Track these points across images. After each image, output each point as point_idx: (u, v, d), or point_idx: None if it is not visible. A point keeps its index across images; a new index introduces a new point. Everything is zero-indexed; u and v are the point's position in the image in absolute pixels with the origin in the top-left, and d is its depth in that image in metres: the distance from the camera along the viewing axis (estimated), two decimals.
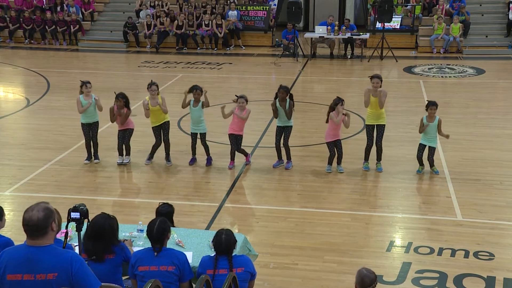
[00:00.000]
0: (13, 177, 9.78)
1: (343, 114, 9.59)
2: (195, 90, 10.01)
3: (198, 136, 10.25)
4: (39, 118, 13.32)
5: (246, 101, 9.97)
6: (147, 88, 10.12)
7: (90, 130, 10.28)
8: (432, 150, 9.75)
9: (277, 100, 9.86)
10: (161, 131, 10.25)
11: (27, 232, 3.84)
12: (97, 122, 10.35)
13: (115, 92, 10.10)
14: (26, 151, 11.09)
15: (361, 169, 10.04)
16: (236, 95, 10.02)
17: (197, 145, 10.29)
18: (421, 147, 9.78)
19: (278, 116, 9.97)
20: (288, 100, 9.84)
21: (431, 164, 9.84)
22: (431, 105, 9.62)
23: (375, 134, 9.94)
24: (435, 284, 6.61)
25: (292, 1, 19.85)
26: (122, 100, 9.95)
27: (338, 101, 9.60)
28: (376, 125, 9.90)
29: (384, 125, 9.92)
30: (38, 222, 3.78)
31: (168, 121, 10.28)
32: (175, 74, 17.71)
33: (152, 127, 10.28)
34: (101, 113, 10.39)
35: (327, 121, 9.82)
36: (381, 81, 9.76)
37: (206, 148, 10.26)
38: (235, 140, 10.04)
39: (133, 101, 14.37)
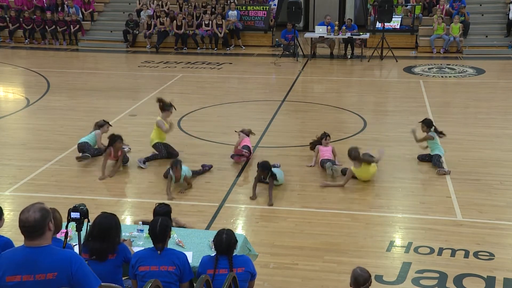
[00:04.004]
0: (13, 177, 9.77)
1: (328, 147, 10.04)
2: (175, 167, 8.97)
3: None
4: (39, 118, 13.30)
5: (247, 134, 10.45)
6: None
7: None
8: (436, 156, 10.01)
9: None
10: (167, 146, 10.34)
11: (24, 233, 3.83)
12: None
13: (112, 135, 9.89)
14: (26, 151, 11.08)
15: None
16: (235, 131, 10.35)
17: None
18: (427, 157, 10.18)
19: None
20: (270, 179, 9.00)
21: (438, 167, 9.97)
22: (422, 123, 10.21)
23: None
24: (435, 284, 6.61)
25: (292, 1, 19.84)
26: (121, 142, 9.78)
27: (323, 136, 10.08)
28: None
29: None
30: (35, 223, 3.78)
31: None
32: (175, 74, 17.70)
33: (156, 143, 10.24)
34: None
35: (311, 149, 10.20)
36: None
37: (200, 172, 9.78)
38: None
39: (133, 101, 14.45)
